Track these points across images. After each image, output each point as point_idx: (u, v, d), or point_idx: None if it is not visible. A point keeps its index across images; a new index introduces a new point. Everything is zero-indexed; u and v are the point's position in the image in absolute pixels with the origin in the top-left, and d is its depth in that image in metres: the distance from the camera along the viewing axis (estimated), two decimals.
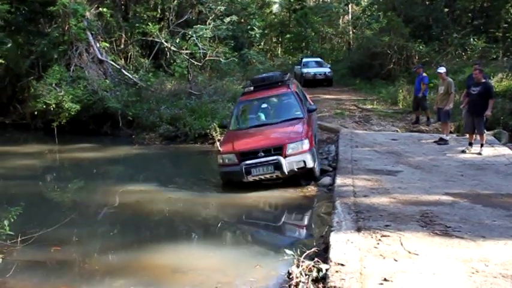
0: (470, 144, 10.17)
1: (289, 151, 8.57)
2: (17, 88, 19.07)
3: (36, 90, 16.16)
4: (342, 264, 4.57)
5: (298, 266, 4.62)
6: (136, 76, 17.72)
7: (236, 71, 21.06)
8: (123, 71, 17.68)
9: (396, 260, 4.70)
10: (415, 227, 5.66)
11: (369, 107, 17.61)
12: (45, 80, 16.07)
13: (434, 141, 11.29)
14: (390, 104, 18.01)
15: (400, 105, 17.57)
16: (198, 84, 18.11)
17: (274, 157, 8.51)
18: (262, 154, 8.59)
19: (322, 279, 4.36)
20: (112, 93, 16.18)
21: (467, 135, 10.51)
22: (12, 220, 6.32)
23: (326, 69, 26.43)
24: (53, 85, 15.75)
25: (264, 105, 10.33)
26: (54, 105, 15.17)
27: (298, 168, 8.62)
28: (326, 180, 8.95)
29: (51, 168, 13.16)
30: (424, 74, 14.20)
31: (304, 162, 8.60)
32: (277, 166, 8.50)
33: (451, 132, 11.84)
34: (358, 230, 5.59)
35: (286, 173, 8.55)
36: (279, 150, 8.59)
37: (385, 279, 4.25)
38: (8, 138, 16.95)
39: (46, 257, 6.37)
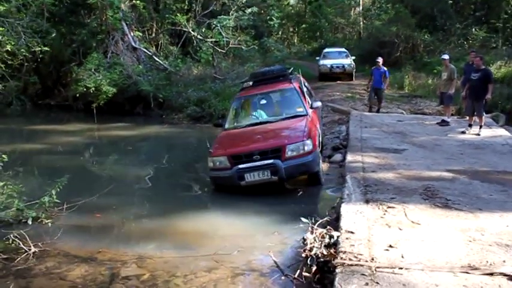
0: (470, 125, 10.03)
1: (288, 153, 6.96)
2: (60, 73, 19.28)
3: (77, 75, 16.33)
4: (352, 232, 4.59)
5: (312, 233, 4.65)
6: (166, 62, 17.78)
7: (256, 58, 20.93)
8: (155, 58, 17.76)
9: (401, 229, 4.70)
10: (418, 200, 5.63)
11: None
12: (85, 66, 16.21)
13: (437, 123, 11.17)
14: (397, 88, 17.79)
15: (406, 90, 17.37)
16: (221, 70, 18.14)
17: (271, 161, 6.89)
18: (258, 157, 6.93)
19: (334, 245, 4.38)
20: (144, 77, 16.26)
21: (468, 117, 10.37)
22: (59, 190, 6.47)
23: (346, 61, 21.67)
24: (92, 70, 15.87)
25: (263, 102, 8.65)
26: (93, 89, 15.31)
27: (299, 173, 7.17)
28: (337, 157, 8.91)
29: (91, 145, 13.34)
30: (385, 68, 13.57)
31: (306, 166, 7.05)
32: (275, 171, 6.89)
33: (452, 115, 11.69)
34: (367, 201, 5.59)
35: (285, 178, 7.03)
36: (277, 152, 6.96)
37: (390, 246, 4.26)
38: (53, 118, 17.20)
39: (88, 222, 6.52)
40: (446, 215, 5.10)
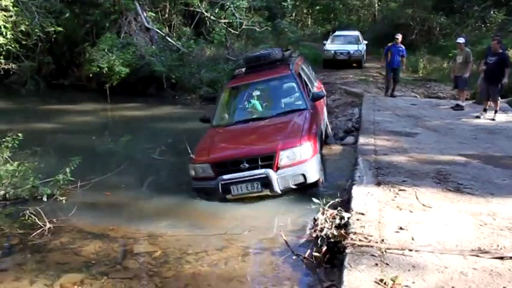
0: (485, 110, 9.91)
1: (282, 161, 5.82)
2: (74, 53, 19.32)
3: (90, 55, 16.37)
4: (363, 214, 4.61)
5: (323, 214, 4.68)
6: (179, 43, 17.71)
7: (269, 40, 20.77)
8: (168, 38, 17.69)
9: (411, 212, 4.71)
10: (430, 183, 5.62)
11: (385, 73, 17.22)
12: (99, 46, 16.23)
13: (451, 107, 11.04)
14: (411, 72, 17.56)
15: (420, 73, 17.16)
16: (234, 51, 18.04)
17: (262, 170, 5.79)
18: (246, 165, 5.84)
19: (344, 226, 4.41)
20: (157, 58, 16.24)
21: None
22: (73, 168, 6.57)
23: (352, 47, 19.26)
24: (105, 51, 15.88)
25: (256, 93, 7.39)
26: (106, 69, 15.36)
27: (295, 185, 5.94)
28: (350, 139, 8.86)
29: (104, 124, 13.44)
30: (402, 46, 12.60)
31: (304, 176, 5.87)
32: (266, 183, 5.81)
33: (466, 99, 11.54)
34: (378, 184, 5.59)
35: (279, 192, 5.88)
36: (269, 159, 5.85)
37: (401, 228, 4.28)
38: (67, 98, 17.31)
39: (101, 200, 6.63)
40: (458, 199, 5.09)
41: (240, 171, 5.84)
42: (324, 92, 8.64)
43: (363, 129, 8.89)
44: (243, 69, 8.24)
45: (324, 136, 7.60)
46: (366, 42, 20.59)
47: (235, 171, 5.84)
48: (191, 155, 6.17)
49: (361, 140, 8.03)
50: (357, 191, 5.33)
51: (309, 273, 4.06)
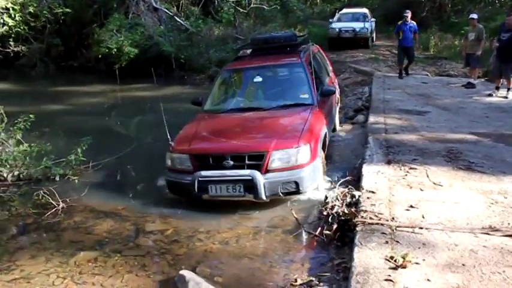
0: (497, 88, 9.79)
1: (273, 163, 4.93)
2: (82, 35, 19.32)
3: (99, 36, 16.38)
4: (373, 192, 4.62)
5: (333, 192, 4.70)
6: (188, 22, 17.61)
7: (278, 18, 20.57)
8: (176, 18, 17.59)
9: (422, 190, 4.70)
10: (441, 162, 5.59)
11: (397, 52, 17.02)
12: (107, 27, 16.23)
13: (462, 85, 10.91)
14: (422, 49, 17.32)
15: (431, 51, 16.94)
16: (243, 30, 17.91)
17: (247, 171, 4.92)
18: (230, 162, 4.96)
19: (355, 204, 4.43)
20: (166, 38, 16.21)
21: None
22: (84, 148, 6.64)
23: (358, 25, 18.29)
24: (114, 31, 15.88)
25: (258, 79, 6.49)
26: (115, 50, 15.38)
27: (285, 193, 5.00)
28: (360, 118, 8.84)
29: (114, 105, 13.47)
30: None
31: (297, 184, 4.94)
32: (250, 187, 4.91)
33: (478, 77, 11.39)
34: (388, 162, 5.58)
35: (264, 198, 4.94)
36: (258, 159, 4.95)
37: (411, 206, 4.28)
38: (76, 80, 17.37)
39: (112, 180, 6.70)
40: (469, 177, 5.06)
41: (222, 168, 4.97)
42: (336, 87, 7.87)
43: (373, 108, 8.85)
44: (248, 51, 7.45)
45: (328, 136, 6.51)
46: (374, 19, 19.85)
47: (217, 168, 4.99)
48: (170, 142, 5.36)
49: (371, 118, 7.99)
50: (367, 169, 5.33)
51: (319, 251, 4.08)
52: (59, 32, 19.26)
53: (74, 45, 19.82)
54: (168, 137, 5.41)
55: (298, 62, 6.52)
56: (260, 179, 4.87)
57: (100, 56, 16.29)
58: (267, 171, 4.92)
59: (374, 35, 20.08)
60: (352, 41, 18.29)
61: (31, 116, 7.03)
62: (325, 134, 5.83)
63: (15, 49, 16.16)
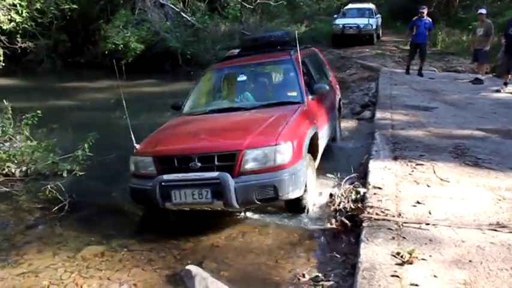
0: (505, 84, 9.73)
1: (247, 164, 4.23)
2: (89, 31, 19.39)
3: (105, 32, 16.46)
4: (379, 188, 4.60)
5: (339, 189, 4.69)
6: (194, 18, 17.65)
7: (285, 14, 20.54)
8: (182, 14, 17.63)
9: (429, 186, 4.68)
10: (448, 158, 5.56)
11: (408, 47, 16.94)
12: (113, 23, 16.31)
13: (470, 81, 10.87)
14: (429, 45, 17.22)
15: (438, 47, 16.85)
16: (249, 26, 17.94)
17: (215, 173, 4.21)
18: (198, 164, 4.27)
19: (361, 200, 4.42)
20: (172, 34, 16.26)
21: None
22: (90, 144, 6.65)
23: (363, 21, 18.04)
24: (120, 27, 15.95)
25: (242, 78, 5.95)
26: (121, 46, 15.42)
27: (261, 199, 4.24)
28: (366, 114, 8.83)
29: (120, 101, 13.45)
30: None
31: (275, 189, 4.20)
32: (218, 192, 4.19)
33: (486, 73, 11.32)
34: (395, 158, 5.56)
35: (236, 206, 4.25)
36: (229, 160, 4.26)
37: (418, 202, 4.26)
38: (83, 75, 17.44)
39: (118, 175, 6.69)
40: (476, 173, 5.03)
41: (187, 172, 4.29)
42: (337, 94, 7.41)
43: (380, 104, 8.82)
44: (236, 51, 6.89)
45: (328, 139, 6.27)
46: (379, 15, 19.61)
47: (180, 172, 4.33)
48: (135, 145, 4.79)
49: (378, 114, 7.97)
50: (373, 165, 5.31)
51: (325, 247, 4.08)
52: (65, 28, 19.32)
53: (81, 41, 19.89)
54: (133, 139, 4.82)
55: (287, 58, 5.88)
56: (230, 182, 4.12)
57: (106, 52, 16.34)
58: (240, 173, 4.20)
59: (380, 31, 19.88)
60: (356, 38, 17.99)
61: (38, 111, 7.06)
62: (316, 135, 5.12)
63: (23, 45, 16.20)
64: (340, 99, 7.68)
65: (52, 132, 7.99)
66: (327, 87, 5.85)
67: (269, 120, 4.72)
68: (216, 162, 4.25)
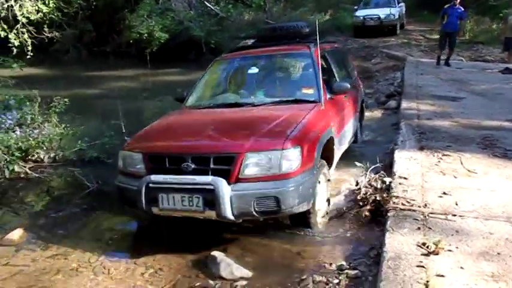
0: None
1: (247, 170, 3.67)
2: (114, 20, 19.58)
3: (130, 21, 16.59)
4: (405, 178, 4.56)
5: (365, 177, 4.66)
6: (218, 7, 17.63)
7: (308, 2, 20.36)
8: (206, 3, 17.62)
9: (456, 177, 4.61)
10: (475, 149, 5.45)
11: (435, 37, 16.60)
12: (138, 13, 16.42)
13: (499, 71, 10.60)
14: (457, 34, 16.87)
15: (466, 36, 16.47)
16: (273, 15, 17.87)
17: (208, 178, 3.64)
18: (191, 166, 3.72)
19: (386, 190, 4.38)
20: (196, 23, 16.29)
21: None
22: (119, 131, 6.74)
23: (384, 11, 17.33)
24: (145, 17, 16.04)
25: (253, 70, 5.40)
26: (146, 35, 15.54)
27: (261, 212, 3.65)
28: (392, 103, 8.73)
29: (145, 89, 13.64)
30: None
31: (278, 201, 3.61)
32: (210, 200, 3.61)
33: None
34: (421, 148, 5.49)
35: (231, 218, 3.65)
36: (227, 163, 3.69)
37: (444, 193, 4.20)
38: (108, 64, 17.66)
39: None
40: (505, 165, 4.92)
41: (178, 173, 3.73)
42: (360, 95, 6.80)
43: (406, 94, 8.71)
44: (250, 41, 6.34)
45: (349, 144, 5.80)
46: (403, 4, 19.00)
47: (170, 173, 3.77)
48: (126, 138, 4.38)
49: (404, 104, 7.87)
50: (399, 155, 5.26)
51: (350, 236, 4.06)
52: (91, 18, 19.57)
53: (106, 30, 20.12)
54: (123, 131, 4.47)
55: (306, 51, 5.24)
56: (225, 190, 3.54)
57: (131, 41, 16.50)
58: (238, 180, 3.62)
59: (404, 20, 19.24)
60: (378, 29, 17.51)
61: (65, 99, 7.20)
62: (332, 140, 4.56)
63: (49, 35, 16.43)
64: (363, 101, 7.14)
65: (79, 120, 8.12)
66: (348, 86, 5.09)
67: (278, 119, 4.13)
68: (211, 165, 3.67)
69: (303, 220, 4.08)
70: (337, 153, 4.95)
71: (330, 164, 4.58)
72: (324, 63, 5.32)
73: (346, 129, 5.43)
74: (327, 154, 4.45)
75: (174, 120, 4.89)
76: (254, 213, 3.63)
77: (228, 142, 3.91)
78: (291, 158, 3.68)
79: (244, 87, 5.40)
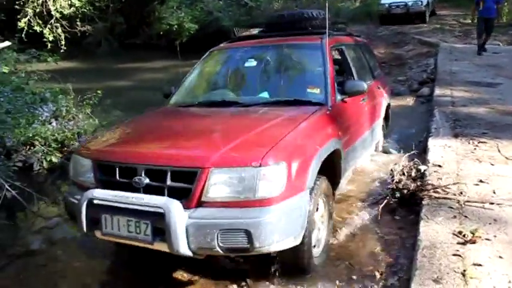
0: None
1: (212, 190, 2.73)
2: (144, 12, 19.78)
3: (160, 13, 16.74)
4: (439, 166, 4.47)
5: (399, 165, 4.58)
6: None
7: None
8: None
9: (493, 165, 4.49)
10: None
11: (469, 21, 16.09)
12: (168, 4, 16.55)
13: None
14: (495, 20, 16.31)
15: (503, 19, 15.92)
16: (302, 3, 17.65)
17: (161, 200, 2.73)
18: (144, 180, 2.85)
19: (421, 178, 4.31)
20: (225, 13, 16.29)
21: None
22: None
23: None
24: (174, 8, 16.15)
25: (251, 63, 4.45)
26: (176, 26, 15.66)
27: (225, 248, 2.70)
28: (425, 91, 8.54)
29: (176, 80, 13.73)
30: None
31: (249, 235, 2.63)
32: (161, 229, 2.71)
33: None
34: (456, 136, 5.37)
35: (187, 253, 2.72)
36: (187, 180, 2.77)
37: (480, 181, 4.10)
38: (139, 56, 17.85)
39: None
40: None
41: (127, 190, 2.88)
42: (384, 98, 5.75)
43: (439, 80, 8.51)
44: (255, 31, 5.21)
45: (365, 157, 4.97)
46: None
47: (119, 187, 2.93)
48: (79, 140, 3.39)
49: (437, 91, 7.70)
50: (433, 143, 5.16)
51: (384, 224, 3.99)
52: (121, 11, 19.82)
53: (136, 23, 20.35)
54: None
55: (316, 43, 4.31)
56: (179, 216, 2.65)
57: (161, 33, 16.64)
58: (200, 204, 2.74)
59: (434, 7, 18.20)
60: (405, 17, 16.48)
61: (98, 91, 7.34)
62: (339, 153, 3.64)
63: (82, 29, 16.82)
64: (389, 105, 6.02)
65: (112, 111, 8.28)
66: (364, 86, 4.07)
67: (265, 125, 3.21)
68: (168, 182, 2.80)
69: (292, 261, 3.12)
70: (347, 169, 4.04)
71: (335, 182, 3.69)
72: (339, 59, 4.77)
73: (360, 140, 4.46)
74: (333, 170, 3.64)
75: (143, 121, 4.06)
76: (218, 249, 2.69)
77: (191, 152, 2.97)
78: (272, 179, 2.71)
79: (238, 84, 4.58)
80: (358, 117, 4.42)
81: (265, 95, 4.06)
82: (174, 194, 2.77)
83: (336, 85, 3.99)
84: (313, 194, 3.09)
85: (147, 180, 2.86)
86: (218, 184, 2.73)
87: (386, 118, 5.92)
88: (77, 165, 3.33)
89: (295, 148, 3.00)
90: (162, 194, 2.80)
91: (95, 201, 2.92)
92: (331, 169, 3.54)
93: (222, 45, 5.16)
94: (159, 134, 3.47)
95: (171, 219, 2.64)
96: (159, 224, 2.70)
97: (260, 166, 2.69)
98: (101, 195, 2.92)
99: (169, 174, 2.81)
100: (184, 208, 2.70)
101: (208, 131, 3.39)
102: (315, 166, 3.08)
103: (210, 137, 3.24)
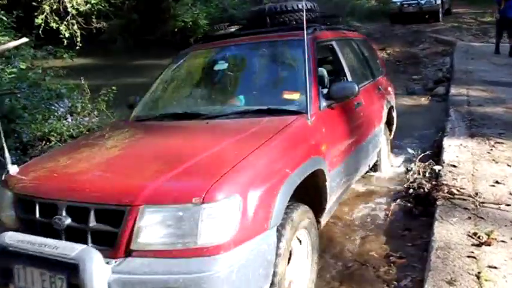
0: None
1: (142, 235, 2.08)
2: (159, 10, 19.84)
3: (175, 10, 16.78)
4: (455, 166, 4.42)
5: (414, 165, 4.55)
6: None
7: None
8: None
9: (509, 166, 4.41)
10: None
11: (488, 19, 15.86)
12: (182, 1, 16.57)
13: None
14: None
15: None
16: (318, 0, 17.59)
17: (76, 248, 2.08)
18: (65, 220, 2.24)
19: (435, 178, 4.26)
20: (240, 10, 16.28)
21: None
22: None
23: None
24: (189, 5, 16.19)
25: (221, 66, 3.92)
26: (190, 23, 15.70)
27: None
28: (440, 90, 8.45)
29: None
30: None
31: None
32: (75, 286, 2.03)
33: None
34: (471, 136, 5.30)
35: None
36: (114, 221, 2.14)
37: (497, 182, 4.04)
38: (154, 53, 17.89)
39: None
40: None
41: (50, 232, 2.31)
42: (386, 96, 5.09)
43: (455, 79, 8.42)
44: (233, 28, 4.73)
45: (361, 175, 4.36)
46: None
47: (39, 230, 2.39)
48: (8, 166, 2.78)
49: (453, 90, 7.61)
50: (448, 143, 5.10)
51: (398, 224, 3.97)
52: (136, 8, 19.90)
53: (151, 20, 20.43)
54: (7, 156, 2.82)
55: (297, 39, 3.44)
56: (97, 271, 2.03)
57: (176, 30, 16.70)
58: (129, 253, 2.14)
59: (449, 5, 17.64)
60: (417, 16, 15.83)
61: (113, 88, 7.38)
62: (323, 174, 2.97)
63: (97, 26, 16.92)
64: (392, 108, 5.30)
65: (126, 108, 8.32)
66: (355, 88, 3.33)
67: (223, 143, 2.62)
68: (91, 223, 2.23)
69: None
70: (335, 193, 3.34)
71: (319, 211, 3.07)
72: (330, 57, 4.19)
73: (354, 153, 3.75)
74: (315, 196, 3.03)
75: (84, 143, 3.31)
76: None
77: (120, 185, 2.33)
78: (219, 218, 2.08)
79: (205, 91, 3.95)
80: (350, 127, 3.66)
81: (234, 103, 3.49)
82: (98, 239, 2.20)
83: (320, 89, 3.32)
84: (284, 232, 2.44)
85: (68, 221, 2.27)
86: (151, 226, 2.10)
87: (389, 122, 5.28)
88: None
89: (255, 174, 2.32)
90: (83, 239, 2.21)
91: (4, 248, 2.29)
92: (314, 194, 3.00)
93: (192, 46, 4.70)
94: (92, 161, 2.78)
95: (85, 275, 2.01)
96: (75, 280, 2.06)
97: (203, 203, 2.05)
98: (14, 241, 2.29)
99: (92, 213, 2.22)
100: (109, 258, 2.10)
101: (151, 155, 2.71)
102: (283, 196, 2.41)
103: (150, 164, 2.55)
